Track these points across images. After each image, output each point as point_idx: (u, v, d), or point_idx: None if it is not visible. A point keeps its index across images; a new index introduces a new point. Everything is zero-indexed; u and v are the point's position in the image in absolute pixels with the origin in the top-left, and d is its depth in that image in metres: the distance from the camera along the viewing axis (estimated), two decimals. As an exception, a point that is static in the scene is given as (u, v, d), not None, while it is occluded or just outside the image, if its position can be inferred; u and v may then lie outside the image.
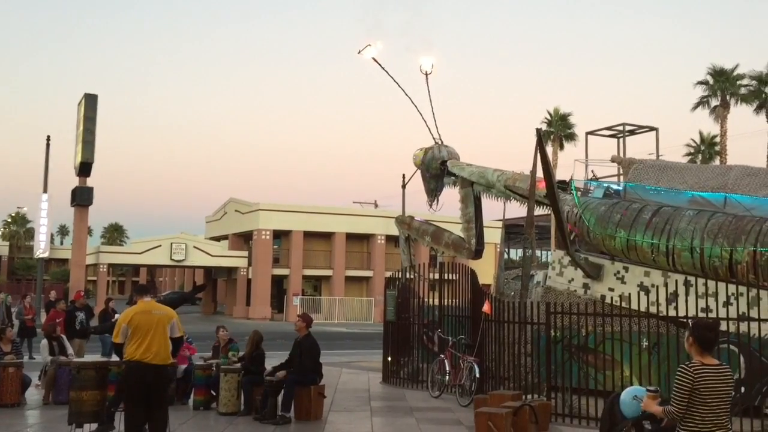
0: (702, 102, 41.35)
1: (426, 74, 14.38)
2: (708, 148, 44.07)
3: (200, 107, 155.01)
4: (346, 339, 28.83)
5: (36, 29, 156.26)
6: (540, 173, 11.44)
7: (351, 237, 46.84)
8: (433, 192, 14.91)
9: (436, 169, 14.59)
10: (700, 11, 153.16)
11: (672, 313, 9.83)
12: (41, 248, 34.33)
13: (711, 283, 9.78)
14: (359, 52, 14.37)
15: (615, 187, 12.69)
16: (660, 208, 11.22)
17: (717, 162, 40.02)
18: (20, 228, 77.93)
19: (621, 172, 13.28)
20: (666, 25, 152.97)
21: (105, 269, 46.50)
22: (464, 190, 13.97)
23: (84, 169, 35.32)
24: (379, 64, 14.27)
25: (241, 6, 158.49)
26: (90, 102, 35.92)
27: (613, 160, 13.67)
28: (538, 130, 11.31)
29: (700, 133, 45.16)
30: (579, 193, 12.59)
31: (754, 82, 40.28)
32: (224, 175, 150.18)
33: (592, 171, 14.19)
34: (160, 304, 7.43)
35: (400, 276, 14.64)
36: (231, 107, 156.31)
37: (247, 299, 46.40)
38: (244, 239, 49.12)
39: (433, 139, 14.69)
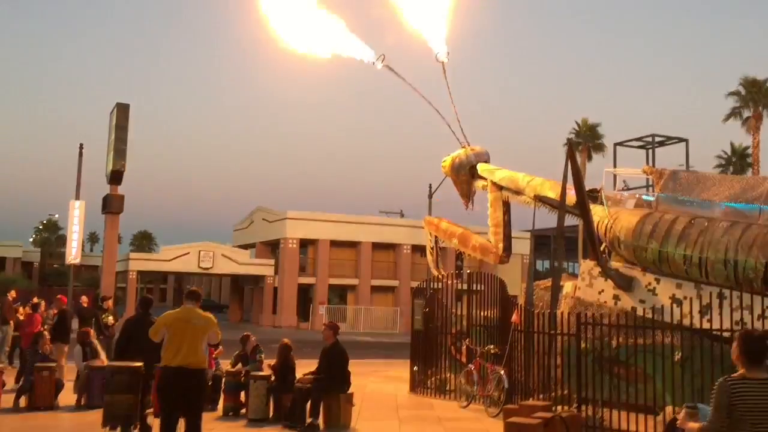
0: (734, 113, 40.84)
1: (442, 63, 14.00)
2: (739, 160, 43.48)
3: (228, 115, 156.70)
4: (372, 348, 28.79)
5: (71, 37, 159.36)
6: (570, 183, 11.38)
7: (377, 246, 46.86)
8: (467, 195, 14.85)
9: (466, 175, 14.53)
10: (731, 21, 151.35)
11: (706, 326, 9.69)
12: (73, 255, 34.79)
13: (745, 296, 9.63)
14: (373, 63, 14.17)
15: (647, 197, 12.56)
16: (693, 220, 11.08)
17: (749, 174, 39.41)
18: (52, 235, 79.32)
19: (653, 182, 13.13)
20: (697, 35, 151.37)
21: (134, 276, 47.03)
22: (493, 194, 13.88)
23: (115, 177, 35.74)
24: (397, 74, 14.07)
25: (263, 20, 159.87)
26: (122, 111, 36.38)
27: (645, 171, 13.54)
28: (569, 140, 11.31)
29: (732, 145, 44.61)
30: (609, 203, 12.50)
31: (787, 94, 39.72)
32: (252, 184, 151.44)
33: (624, 181, 14.07)
34: (201, 311, 7.52)
35: (427, 285, 14.63)
36: (259, 115, 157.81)
37: (274, 307, 46.61)
38: (271, 248, 49.40)
39: (459, 142, 14.57)
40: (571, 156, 11.05)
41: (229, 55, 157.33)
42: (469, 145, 14.59)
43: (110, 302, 17.07)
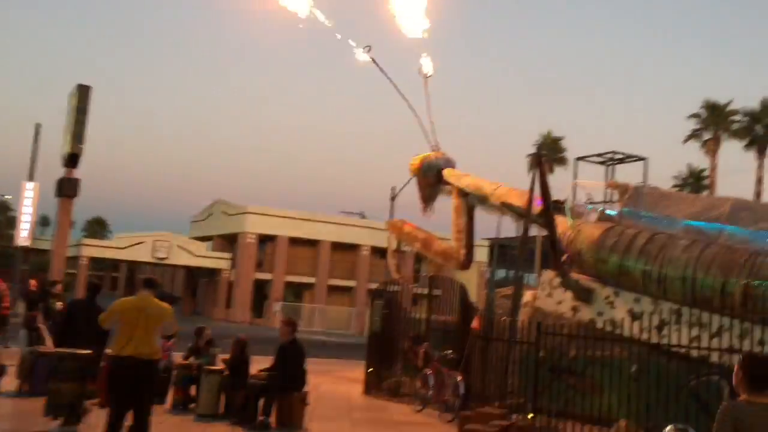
0: (694, 135, 41.71)
1: (426, 77, 14.20)
2: (696, 181, 44.42)
3: (191, 105, 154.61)
4: (326, 348, 28.57)
5: (29, 16, 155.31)
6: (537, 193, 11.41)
7: (336, 246, 46.63)
8: (428, 199, 14.88)
9: (433, 178, 14.54)
10: (696, 45, 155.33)
11: (662, 341, 9.77)
12: (23, 237, 33.78)
13: (702, 314, 9.73)
14: (356, 55, 14.19)
15: (610, 212, 12.68)
16: (654, 235, 11.20)
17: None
18: (2, 216, 76.99)
19: (617, 197, 13.33)
20: (662, 57, 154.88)
21: (86, 262, 45.93)
22: (458, 200, 13.91)
23: (71, 160, 34.90)
24: (379, 67, 14.08)
25: (232, 5, 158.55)
26: (82, 93, 35.52)
27: (609, 186, 13.71)
28: (537, 150, 11.35)
29: (689, 166, 45.56)
30: (573, 215, 12.57)
31: (746, 119, 40.71)
32: (211, 176, 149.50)
33: (588, 195, 14.20)
34: (158, 300, 7.23)
35: (387, 288, 14.55)
36: (222, 108, 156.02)
37: (228, 302, 46.02)
38: (228, 241, 48.77)
39: (430, 146, 14.61)
40: (540, 167, 11.08)
41: (193, 38, 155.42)
42: (439, 150, 14.64)
43: (60, 287, 16.57)
